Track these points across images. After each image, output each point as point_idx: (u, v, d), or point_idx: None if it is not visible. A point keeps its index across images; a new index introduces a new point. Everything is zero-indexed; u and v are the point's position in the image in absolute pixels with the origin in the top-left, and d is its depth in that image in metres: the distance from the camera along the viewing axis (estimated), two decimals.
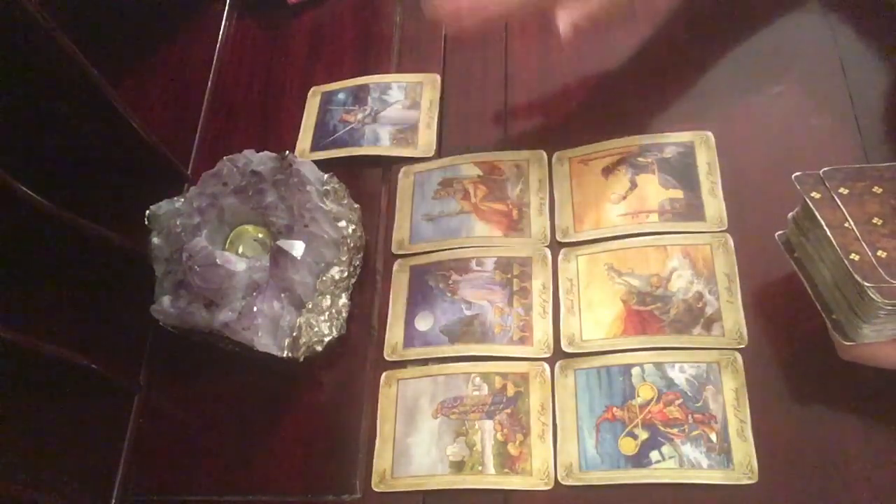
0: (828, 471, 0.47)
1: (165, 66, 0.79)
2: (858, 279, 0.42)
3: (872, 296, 0.41)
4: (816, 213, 0.44)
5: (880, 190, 0.45)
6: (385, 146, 0.67)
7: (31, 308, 0.59)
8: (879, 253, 0.42)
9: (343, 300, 0.60)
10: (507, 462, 0.52)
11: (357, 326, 0.60)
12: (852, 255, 0.43)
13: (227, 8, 0.81)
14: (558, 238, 0.60)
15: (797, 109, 0.60)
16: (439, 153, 0.67)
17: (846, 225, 0.44)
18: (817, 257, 0.47)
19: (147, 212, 0.63)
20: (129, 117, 0.61)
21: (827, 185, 0.45)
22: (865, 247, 0.43)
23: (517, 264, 0.59)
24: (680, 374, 0.51)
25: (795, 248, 0.49)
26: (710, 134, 0.60)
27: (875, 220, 0.44)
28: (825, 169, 0.46)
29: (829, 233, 0.44)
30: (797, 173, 0.46)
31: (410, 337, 0.59)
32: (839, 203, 0.45)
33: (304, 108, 0.72)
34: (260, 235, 0.61)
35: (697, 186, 0.58)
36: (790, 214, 0.49)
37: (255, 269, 0.57)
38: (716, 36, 0.65)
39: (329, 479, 0.55)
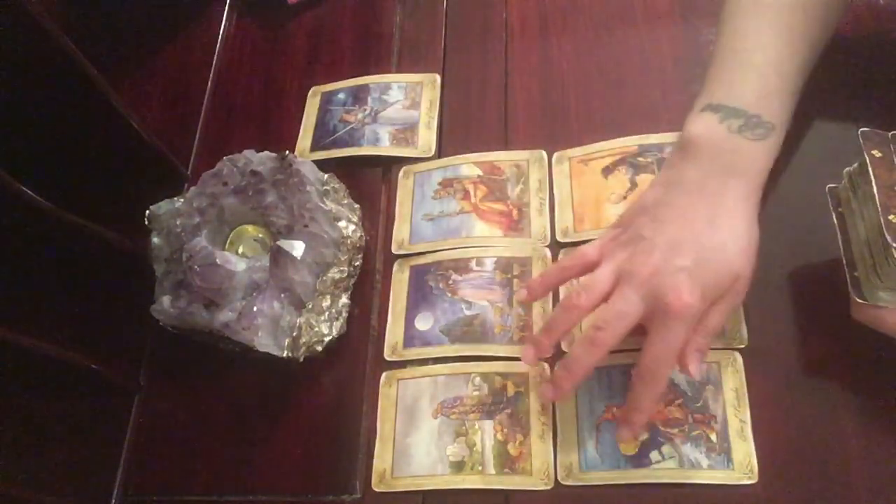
0: (828, 471, 0.47)
1: (165, 66, 0.79)
2: (889, 239, 0.42)
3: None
4: (870, 170, 0.45)
5: None
6: (385, 146, 0.67)
7: (31, 308, 0.59)
8: None
9: (343, 300, 0.60)
10: (507, 462, 0.52)
11: (357, 326, 0.60)
12: (891, 216, 0.43)
13: (227, 8, 0.81)
14: (558, 238, 0.60)
15: (797, 109, 0.60)
16: (439, 153, 0.67)
17: None
18: (859, 213, 0.48)
19: (147, 212, 0.63)
20: (129, 117, 0.61)
21: (892, 147, 0.46)
22: None
23: (517, 264, 0.59)
24: (680, 374, 0.51)
25: (842, 202, 0.50)
26: None
27: None
28: (894, 132, 0.46)
29: (875, 190, 0.44)
30: (864, 129, 0.46)
31: (410, 337, 0.59)
32: None
33: (304, 108, 0.72)
34: (260, 235, 0.61)
35: None
36: (846, 169, 0.49)
37: (255, 269, 0.57)
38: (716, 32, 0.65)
39: (329, 479, 0.55)
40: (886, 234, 0.43)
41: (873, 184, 0.44)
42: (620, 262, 0.48)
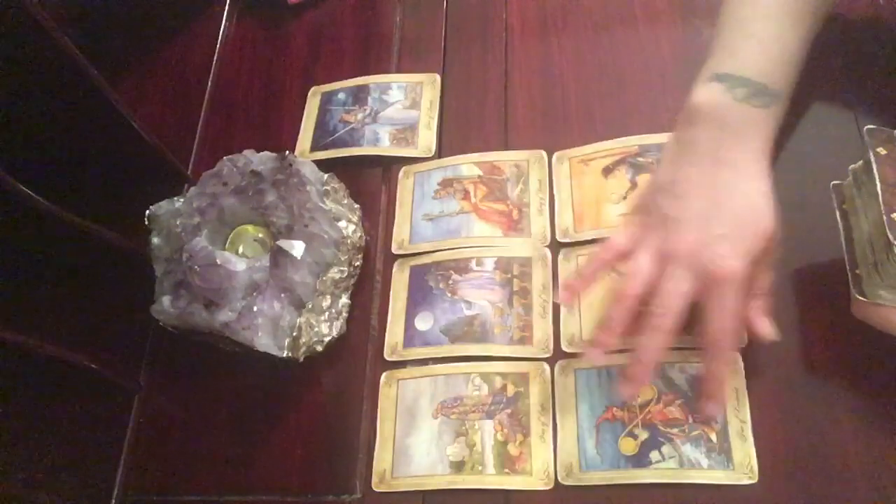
0: (828, 471, 0.47)
1: (165, 66, 0.79)
2: (890, 237, 0.42)
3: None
4: (875, 168, 0.45)
5: None
6: (385, 146, 0.67)
7: (31, 308, 0.59)
8: None
9: (343, 300, 0.60)
10: (507, 462, 0.52)
11: (357, 326, 0.60)
12: (895, 214, 0.43)
13: (227, 8, 0.81)
14: (558, 238, 0.60)
15: (797, 109, 0.60)
16: (439, 153, 0.67)
17: None
18: (862, 211, 0.48)
19: (147, 212, 0.63)
20: (129, 117, 0.61)
21: None
22: None
23: (517, 264, 0.59)
24: (680, 374, 0.51)
25: (846, 199, 0.50)
26: None
27: None
28: None
29: (879, 188, 0.44)
30: (870, 126, 0.46)
31: (410, 337, 0.59)
32: None
33: (304, 108, 0.72)
34: (260, 235, 0.61)
35: None
36: (851, 167, 0.49)
37: (255, 269, 0.57)
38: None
39: (329, 478, 0.55)
40: (889, 232, 0.43)
41: (877, 181, 0.44)
42: (657, 245, 0.47)
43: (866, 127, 0.47)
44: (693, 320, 0.47)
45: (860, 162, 0.48)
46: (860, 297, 0.46)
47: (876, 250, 0.46)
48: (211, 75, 0.77)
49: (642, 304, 0.50)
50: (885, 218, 0.43)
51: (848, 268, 0.48)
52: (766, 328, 0.48)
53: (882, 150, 0.46)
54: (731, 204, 0.46)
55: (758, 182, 0.47)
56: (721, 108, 0.48)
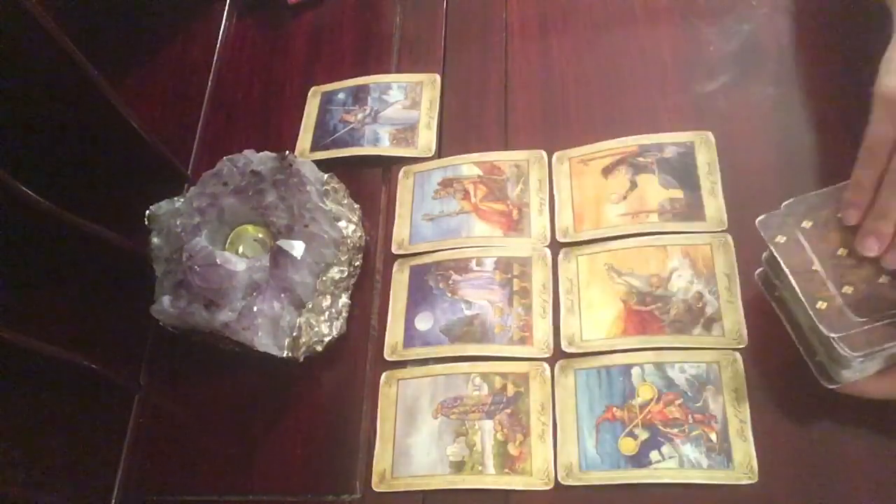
0: (828, 471, 0.47)
1: (165, 66, 0.79)
2: (825, 331, 0.41)
3: (840, 350, 0.41)
4: (781, 262, 0.43)
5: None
6: (385, 146, 0.67)
7: (31, 308, 0.59)
8: (846, 289, 0.41)
9: (343, 300, 0.60)
10: (507, 462, 0.52)
11: (357, 326, 0.60)
12: (819, 304, 0.42)
13: (227, 8, 0.81)
14: (558, 238, 0.60)
15: (797, 109, 0.60)
16: (439, 153, 0.67)
17: (813, 268, 0.43)
18: (792, 299, 0.46)
19: (147, 212, 0.63)
20: (129, 117, 0.61)
21: (791, 220, 0.44)
22: (832, 288, 0.42)
23: (517, 264, 0.59)
24: (680, 374, 0.51)
25: (775, 287, 0.48)
26: (710, 134, 0.60)
27: (840, 252, 0.43)
28: (787, 202, 0.45)
29: (793, 281, 0.43)
30: (761, 217, 0.45)
31: (410, 337, 0.59)
32: (804, 242, 0.43)
33: (304, 108, 0.72)
34: (260, 235, 0.61)
35: (697, 186, 0.58)
36: (764, 255, 0.48)
37: (255, 269, 0.57)
38: (716, 33, 0.65)
39: (329, 479, 0.55)
40: (822, 328, 0.41)
41: (790, 276, 0.43)
42: None
43: (757, 220, 0.45)
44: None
45: (767, 252, 0.46)
46: (829, 385, 0.45)
47: (822, 341, 0.44)
48: (211, 75, 0.77)
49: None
50: (811, 312, 0.41)
51: (806, 358, 0.46)
52: None
53: (780, 238, 0.44)
54: None
55: None
56: None
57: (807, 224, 0.44)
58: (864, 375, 0.44)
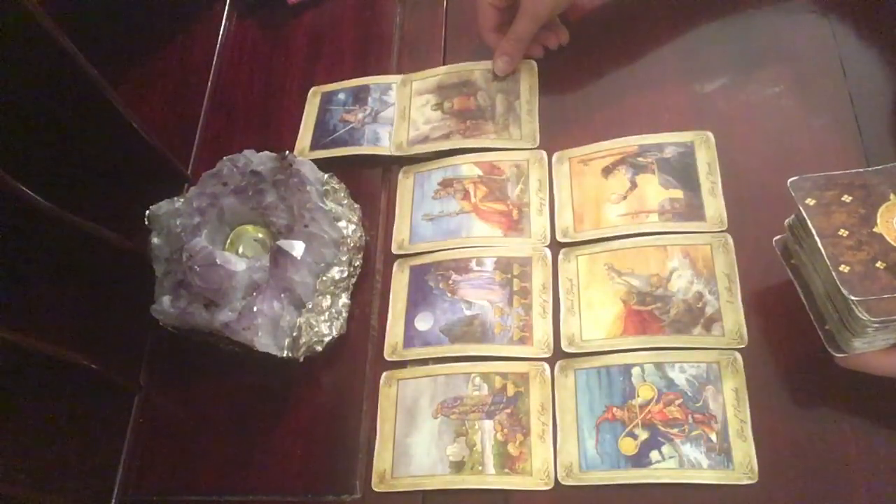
0: (828, 471, 0.47)
1: (165, 66, 0.79)
2: (845, 293, 0.41)
3: (859, 314, 0.41)
4: (809, 222, 0.43)
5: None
6: (385, 146, 0.67)
7: (31, 308, 0.59)
8: (878, 264, 0.41)
9: (343, 300, 0.60)
10: (507, 462, 0.52)
11: (357, 326, 0.60)
12: (842, 267, 0.42)
13: (227, 8, 0.81)
14: (558, 238, 0.60)
15: (797, 109, 0.60)
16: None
17: (840, 233, 0.43)
18: (811, 266, 0.46)
19: (147, 212, 0.63)
20: (129, 117, 0.61)
21: (825, 187, 0.44)
22: (856, 255, 0.42)
23: (517, 264, 0.59)
24: (680, 374, 0.51)
25: (792, 254, 0.48)
26: (710, 134, 0.60)
27: (875, 229, 0.43)
28: (820, 175, 0.45)
29: (819, 243, 0.43)
30: (793, 178, 0.45)
31: (410, 337, 0.59)
32: (834, 210, 0.44)
33: (304, 108, 0.72)
34: (260, 235, 0.61)
35: (697, 186, 0.58)
36: (787, 221, 0.48)
37: (255, 269, 0.57)
38: (716, 33, 0.65)
39: (329, 478, 0.55)
40: (842, 289, 0.41)
41: (815, 236, 0.43)
42: None
43: (790, 180, 0.45)
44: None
45: (793, 215, 0.46)
46: (838, 354, 0.45)
47: (838, 307, 0.44)
48: (211, 75, 0.77)
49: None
50: (835, 274, 0.41)
51: (816, 326, 0.46)
52: None
53: (811, 201, 0.44)
54: None
55: None
56: None
57: (846, 198, 0.44)
58: (872, 348, 0.44)
